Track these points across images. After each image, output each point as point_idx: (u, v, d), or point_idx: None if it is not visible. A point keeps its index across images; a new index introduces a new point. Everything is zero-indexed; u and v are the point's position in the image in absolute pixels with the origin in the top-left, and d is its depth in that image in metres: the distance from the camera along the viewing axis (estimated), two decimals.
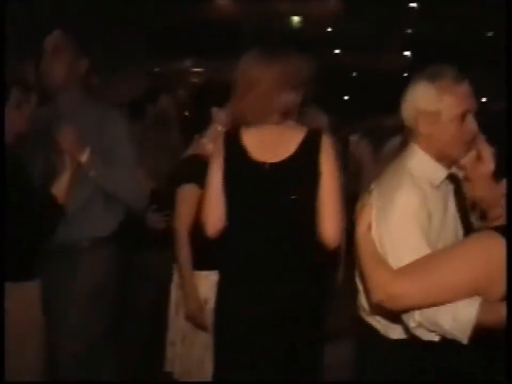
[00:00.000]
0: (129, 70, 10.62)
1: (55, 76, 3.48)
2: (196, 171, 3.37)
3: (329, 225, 2.69)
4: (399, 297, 2.17)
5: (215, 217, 2.85)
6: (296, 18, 12.71)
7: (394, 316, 2.30)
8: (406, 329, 2.27)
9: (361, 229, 2.42)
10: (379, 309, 2.36)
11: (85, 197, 3.43)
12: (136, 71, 10.38)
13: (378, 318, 2.46)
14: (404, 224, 2.29)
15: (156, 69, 12.44)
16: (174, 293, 3.65)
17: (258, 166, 2.73)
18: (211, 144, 3.46)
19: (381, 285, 2.21)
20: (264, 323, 2.70)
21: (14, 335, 3.18)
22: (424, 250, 2.20)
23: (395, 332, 2.40)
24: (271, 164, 2.72)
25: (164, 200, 4.20)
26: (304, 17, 12.54)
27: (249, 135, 2.75)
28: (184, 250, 3.54)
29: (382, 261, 2.30)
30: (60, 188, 3.36)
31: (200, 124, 3.70)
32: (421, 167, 2.40)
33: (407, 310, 2.18)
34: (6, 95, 3.21)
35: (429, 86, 2.36)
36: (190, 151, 3.62)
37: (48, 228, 3.45)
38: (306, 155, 2.73)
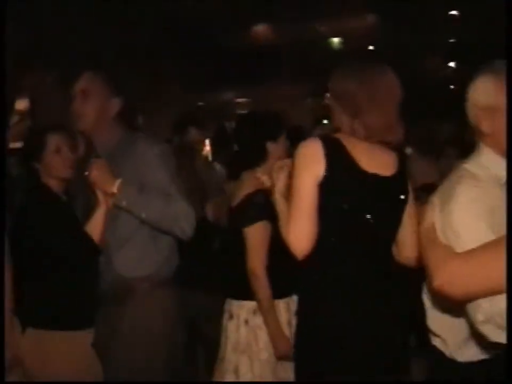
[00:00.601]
0: (172, 105, 10.68)
1: (85, 118, 3.46)
2: (265, 206, 3.31)
3: (412, 251, 2.70)
4: (454, 274, 2.10)
5: (309, 235, 2.64)
6: (336, 40, 12.62)
7: (464, 337, 2.27)
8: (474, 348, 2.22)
9: (424, 228, 2.36)
10: (446, 327, 2.36)
11: (127, 235, 3.38)
12: (179, 105, 10.43)
13: (444, 338, 2.40)
14: (465, 213, 2.23)
15: (200, 103, 12.47)
16: (235, 333, 3.60)
17: (370, 177, 2.63)
18: (266, 177, 3.41)
19: (438, 266, 2.15)
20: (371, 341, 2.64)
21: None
22: (488, 237, 2.13)
23: (462, 354, 2.35)
24: (383, 177, 2.64)
25: None
26: (344, 38, 12.44)
27: (352, 144, 2.65)
28: (265, 290, 3.49)
29: (442, 248, 2.22)
30: (94, 225, 3.37)
31: (251, 157, 3.70)
32: (487, 165, 2.33)
33: (466, 297, 2.11)
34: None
35: (485, 81, 2.31)
36: (248, 187, 3.57)
37: (87, 268, 3.46)
38: (403, 175, 2.72)
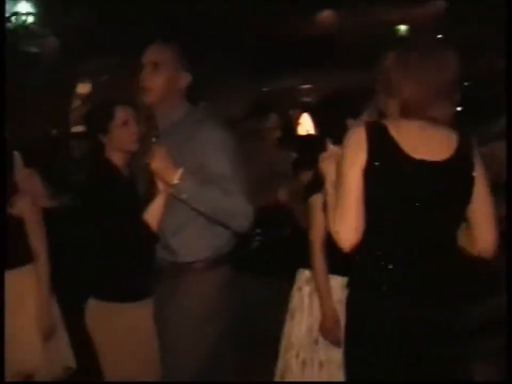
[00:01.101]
0: (235, 90, 10.57)
1: (154, 91, 3.34)
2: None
3: (487, 237, 2.54)
4: None
5: (357, 226, 2.54)
6: (402, 27, 12.33)
7: None
8: None
9: None
10: None
11: (184, 221, 3.35)
12: (243, 91, 10.32)
13: None
14: None
15: (264, 89, 12.35)
16: (296, 298, 3.75)
17: (415, 164, 2.47)
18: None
19: None
20: (421, 336, 2.53)
21: (130, 353, 3.45)
22: None
23: None
24: (432, 162, 2.46)
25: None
26: (410, 25, 12.15)
27: (398, 129, 2.53)
28: (320, 262, 3.58)
29: None
30: (152, 213, 3.37)
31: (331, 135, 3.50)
32: None
33: None
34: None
35: None
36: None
37: (144, 253, 3.49)
38: (463, 160, 2.52)
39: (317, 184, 3.34)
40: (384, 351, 2.55)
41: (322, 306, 3.59)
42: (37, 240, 3.94)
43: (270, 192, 4.52)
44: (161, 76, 3.36)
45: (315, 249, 3.58)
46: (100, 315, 3.53)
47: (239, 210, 3.24)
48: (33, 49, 10.04)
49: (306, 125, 9.44)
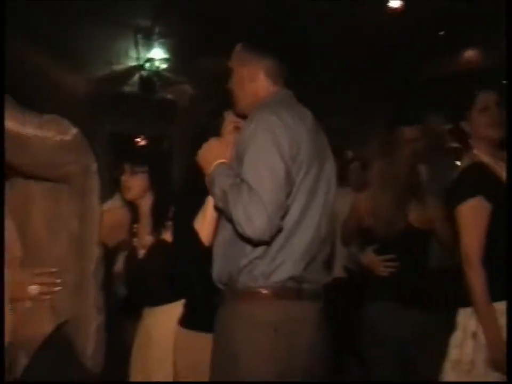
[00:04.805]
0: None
1: (236, 101, 3.07)
2: (481, 181, 3.20)
3: None
4: None
5: None
6: None
7: None
8: None
9: None
10: None
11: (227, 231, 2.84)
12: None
13: None
14: None
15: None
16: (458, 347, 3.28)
17: None
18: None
19: None
20: None
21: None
22: None
23: None
24: None
25: (388, 241, 4.06)
26: None
27: None
28: (480, 281, 3.15)
29: None
30: (199, 221, 3.09)
31: None
32: None
33: None
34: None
35: None
36: (463, 164, 3.39)
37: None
38: None
39: (463, 187, 3.26)
40: None
41: (488, 334, 3.16)
42: None
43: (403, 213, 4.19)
44: (235, 80, 3.04)
45: (473, 264, 3.15)
46: (185, 343, 3.31)
47: (245, 210, 2.53)
48: (169, 96, 9.89)
49: None
